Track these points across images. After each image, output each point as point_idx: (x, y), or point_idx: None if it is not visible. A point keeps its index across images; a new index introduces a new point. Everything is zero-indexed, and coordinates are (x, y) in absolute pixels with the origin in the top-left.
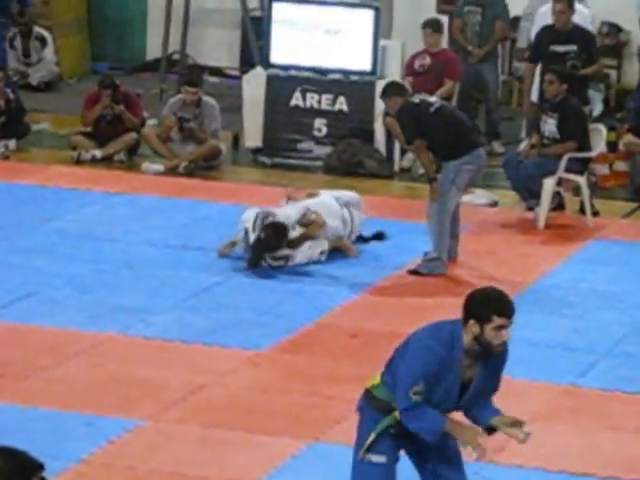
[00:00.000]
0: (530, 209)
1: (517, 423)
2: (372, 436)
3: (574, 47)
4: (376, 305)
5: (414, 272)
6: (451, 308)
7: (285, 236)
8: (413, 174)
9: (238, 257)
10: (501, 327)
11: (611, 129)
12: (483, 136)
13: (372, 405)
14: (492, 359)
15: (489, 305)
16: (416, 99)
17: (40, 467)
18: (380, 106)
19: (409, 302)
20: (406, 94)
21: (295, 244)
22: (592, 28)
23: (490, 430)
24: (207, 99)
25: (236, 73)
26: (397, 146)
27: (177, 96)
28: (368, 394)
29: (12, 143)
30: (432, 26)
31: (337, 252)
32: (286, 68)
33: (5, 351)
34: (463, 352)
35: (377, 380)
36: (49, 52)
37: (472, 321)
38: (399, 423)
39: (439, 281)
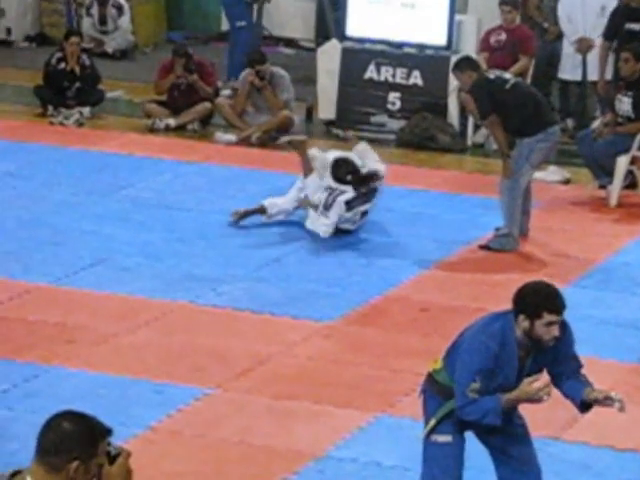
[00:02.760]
0: (602, 187)
1: (608, 398)
2: (433, 421)
3: None
4: (446, 279)
5: (485, 247)
6: (520, 285)
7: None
8: (486, 149)
9: (307, 230)
10: (551, 323)
11: None
12: (557, 113)
13: (434, 389)
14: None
15: (539, 301)
16: (491, 75)
17: (108, 432)
18: (454, 81)
19: (479, 277)
20: (479, 69)
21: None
22: None
23: (584, 407)
24: (276, 69)
25: (311, 45)
26: (470, 121)
27: (247, 70)
28: (430, 378)
29: (86, 110)
30: (511, 3)
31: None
32: (361, 41)
33: (76, 317)
34: (516, 345)
35: (439, 364)
36: (125, 20)
37: (522, 316)
38: None
39: (509, 257)
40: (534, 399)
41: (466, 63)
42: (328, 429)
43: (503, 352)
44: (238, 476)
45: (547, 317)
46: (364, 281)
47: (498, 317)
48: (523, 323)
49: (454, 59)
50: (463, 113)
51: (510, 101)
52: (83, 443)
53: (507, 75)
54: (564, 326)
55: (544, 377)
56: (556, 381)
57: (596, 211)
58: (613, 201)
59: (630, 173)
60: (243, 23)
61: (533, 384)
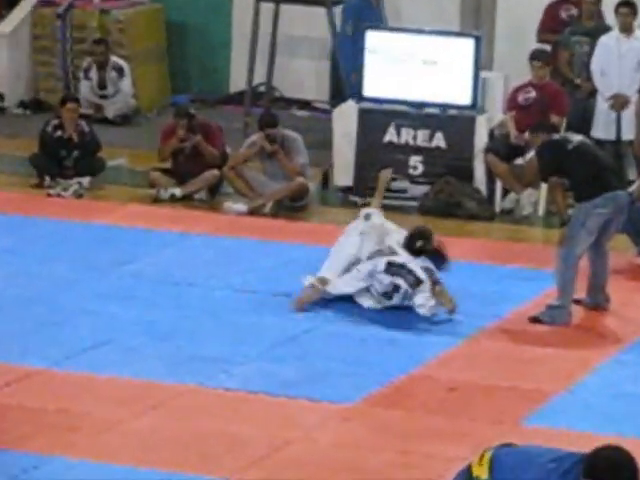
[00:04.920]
0: None
1: None
2: None
3: None
4: (475, 356)
5: (535, 320)
6: (556, 362)
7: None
8: (516, 216)
9: (325, 304)
10: None
11: None
12: (624, 179)
13: None
14: None
15: (615, 475)
16: (556, 135)
17: None
18: (480, 142)
19: (511, 353)
20: (552, 132)
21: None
22: None
23: None
24: (288, 132)
25: (326, 106)
26: (498, 186)
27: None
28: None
29: (86, 180)
30: (542, 58)
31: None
32: (380, 101)
33: (78, 403)
34: None
35: (485, 475)
36: (126, 84)
37: None
38: None
39: (544, 330)
40: None
41: (543, 127)
42: None
43: None
44: None
45: None
46: (387, 359)
47: (573, 466)
48: None
49: (480, 120)
50: (490, 177)
51: (570, 162)
52: None
53: (573, 136)
54: None
55: None
56: None
57: (636, 279)
58: None
59: None
60: None
61: None
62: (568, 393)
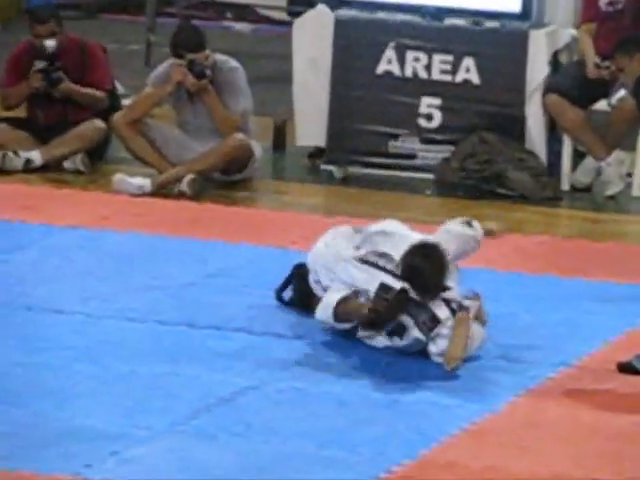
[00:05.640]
0: None
1: None
2: None
3: None
4: (525, 428)
5: (627, 368)
6: None
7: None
8: (596, 196)
9: (283, 342)
10: None
11: None
12: None
13: None
14: None
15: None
16: None
17: None
18: (537, 75)
19: (585, 423)
20: None
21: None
22: None
23: None
24: (222, 60)
25: (281, 15)
26: (567, 146)
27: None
28: None
29: None
30: None
31: None
32: (371, 5)
33: None
34: None
35: None
36: None
37: None
38: None
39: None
40: None
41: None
42: None
43: None
44: None
45: None
46: (381, 435)
47: None
48: None
49: (536, 36)
50: (554, 132)
51: None
52: None
53: None
54: None
55: None
56: None
57: None
58: None
59: None
60: None
61: None
62: None
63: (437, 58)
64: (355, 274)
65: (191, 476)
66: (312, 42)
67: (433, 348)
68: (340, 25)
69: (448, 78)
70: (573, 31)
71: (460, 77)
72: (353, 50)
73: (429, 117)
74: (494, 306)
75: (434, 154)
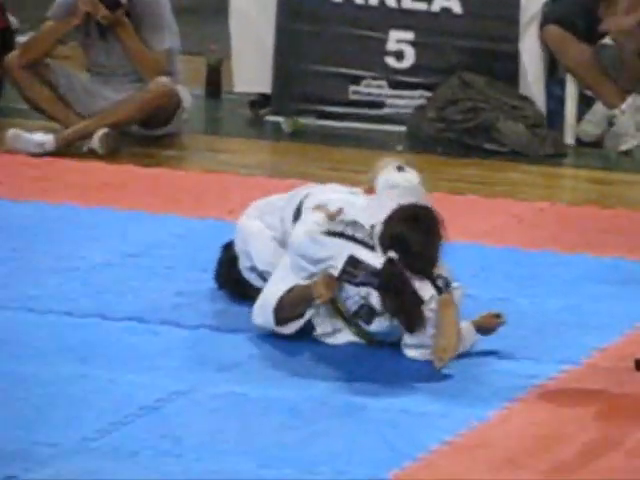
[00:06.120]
0: None
1: None
2: None
3: None
4: (523, 437)
5: None
6: None
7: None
8: (607, 151)
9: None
10: None
11: None
12: None
13: None
14: None
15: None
16: None
17: None
18: (533, 2)
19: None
20: None
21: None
22: None
23: None
24: None
25: None
26: (571, 91)
27: None
28: None
29: None
30: None
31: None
32: None
33: None
34: None
35: None
36: None
37: None
38: None
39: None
40: None
41: None
42: None
43: None
44: None
45: None
46: (347, 454)
47: None
48: None
49: None
50: (554, 74)
51: None
52: None
53: None
54: None
55: None
56: None
57: None
58: None
59: None
60: None
61: None
62: None
63: None
64: (312, 250)
65: None
66: None
67: (409, 339)
68: None
69: (422, 7)
70: None
71: (437, 5)
72: None
73: (399, 55)
74: (483, 289)
75: (406, 101)
